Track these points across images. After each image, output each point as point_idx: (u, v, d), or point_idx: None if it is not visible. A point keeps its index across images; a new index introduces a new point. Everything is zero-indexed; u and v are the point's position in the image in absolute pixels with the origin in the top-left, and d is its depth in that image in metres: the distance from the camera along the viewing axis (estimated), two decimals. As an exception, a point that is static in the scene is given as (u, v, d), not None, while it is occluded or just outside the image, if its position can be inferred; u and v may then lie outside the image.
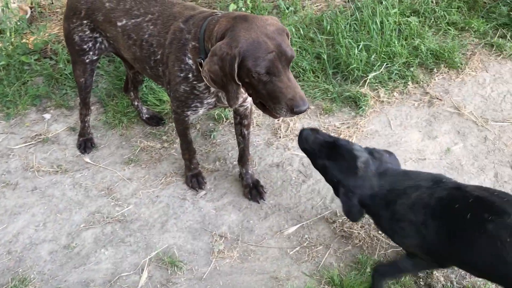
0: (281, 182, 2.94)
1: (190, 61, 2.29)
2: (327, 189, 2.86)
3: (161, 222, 2.77)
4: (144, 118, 3.31)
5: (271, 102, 2.08)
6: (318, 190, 2.87)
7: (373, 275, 2.35)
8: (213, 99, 2.44)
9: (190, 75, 2.32)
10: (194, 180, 2.90)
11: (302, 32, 3.73)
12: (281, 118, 2.50)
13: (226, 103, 2.33)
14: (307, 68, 3.51)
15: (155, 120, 3.31)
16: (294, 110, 2.03)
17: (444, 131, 3.13)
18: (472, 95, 3.34)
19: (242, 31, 2.01)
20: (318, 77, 3.51)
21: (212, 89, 2.36)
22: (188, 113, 2.52)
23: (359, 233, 2.62)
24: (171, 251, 2.62)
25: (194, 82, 2.34)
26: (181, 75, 2.34)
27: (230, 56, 1.99)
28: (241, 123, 2.73)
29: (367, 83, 3.44)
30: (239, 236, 2.68)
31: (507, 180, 2.82)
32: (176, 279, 2.50)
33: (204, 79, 2.17)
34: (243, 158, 2.86)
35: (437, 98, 3.34)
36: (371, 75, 3.46)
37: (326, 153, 2.32)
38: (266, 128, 3.26)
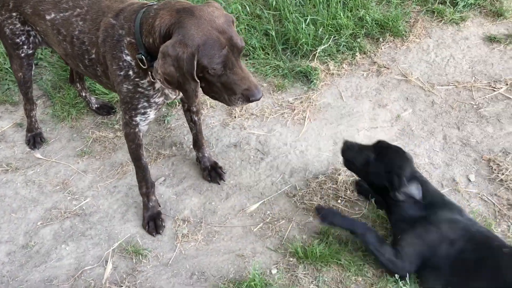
0: (240, 162, 2.95)
1: (128, 58, 2.16)
2: (285, 164, 2.90)
3: (122, 212, 2.73)
4: (94, 108, 3.22)
5: (226, 94, 2.07)
6: (276, 166, 2.91)
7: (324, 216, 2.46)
8: (161, 98, 2.33)
9: (130, 72, 2.20)
10: (152, 223, 2.62)
11: (248, 9, 3.71)
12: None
13: (173, 97, 2.30)
14: (256, 45, 3.50)
15: (106, 110, 3.23)
16: (250, 99, 2.05)
17: (393, 99, 3.22)
18: (417, 61, 3.44)
19: (192, 27, 1.94)
20: (268, 54, 3.51)
21: (157, 86, 2.26)
22: (137, 119, 2.35)
23: (319, 204, 2.67)
24: (134, 240, 2.59)
25: (136, 79, 2.21)
26: (121, 73, 2.21)
27: (187, 55, 1.92)
28: (189, 110, 2.69)
29: (316, 57, 3.47)
30: (202, 219, 2.68)
31: (455, 141, 2.94)
32: (141, 267, 2.49)
33: (159, 82, 2.08)
34: (197, 142, 2.84)
35: (385, 67, 3.42)
36: (319, 48, 3.49)
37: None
38: (220, 109, 3.25)
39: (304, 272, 2.40)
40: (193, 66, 1.94)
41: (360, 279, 2.36)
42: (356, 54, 3.50)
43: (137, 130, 2.41)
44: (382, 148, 2.46)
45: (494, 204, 2.61)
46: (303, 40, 3.48)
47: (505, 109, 3.07)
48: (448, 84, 3.28)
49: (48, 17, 2.40)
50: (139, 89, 2.25)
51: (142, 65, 2.11)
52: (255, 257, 2.49)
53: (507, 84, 3.21)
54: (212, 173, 2.84)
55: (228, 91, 2.05)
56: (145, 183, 2.61)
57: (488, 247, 2.19)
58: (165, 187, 2.85)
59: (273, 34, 3.54)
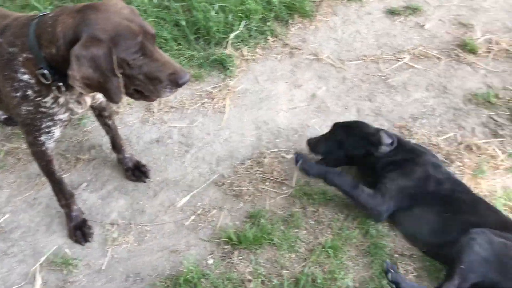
0: (164, 157, 2.92)
1: (26, 76, 1.98)
2: (211, 154, 2.91)
3: (46, 224, 2.62)
4: (1, 119, 3.03)
5: (151, 84, 1.98)
6: (202, 157, 2.90)
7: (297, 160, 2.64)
8: (66, 114, 2.16)
9: (29, 92, 2.02)
10: (78, 232, 2.52)
11: (156, 1, 3.63)
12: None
13: (80, 111, 2.20)
14: (168, 37, 3.45)
15: (15, 120, 3.05)
16: (179, 82, 1.98)
17: (307, 78, 3.31)
18: (326, 40, 3.56)
19: (100, 21, 1.83)
20: (181, 45, 3.47)
21: (62, 101, 2.10)
22: (42, 138, 2.19)
23: (248, 189, 2.71)
24: (62, 251, 2.50)
25: (38, 99, 2.04)
26: (17, 94, 2.02)
27: (103, 51, 1.81)
28: (101, 115, 2.59)
29: (229, 43, 3.48)
30: (131, 220, 2.63)
31: (368, 113, 3.08)
32: (73, 277, 2.40)
33: (78, 88, 1.92)
34: (116, 145, 2.76)
35: (296, 48, 3.50)
36: (232, 35, 3.50)
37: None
38: (138, 106, 3.18)
39: (240, 257, 2.43)
40: (112, 61, 1.84)
41: (293, 255, 2.44)
42: (268, 38, 3.55)
43: (44, 148, 2.26)
44: (344, 127, 2.69)
45: (408, 167, 2.78)
46: (214, 28, 3.47)
47: (410, 78, 3.27)
48: (357, 59, 3.42)
49: None
50: (41, 109, 2.08)
51: (45, 81, 1.97)
52: (190, 250, 2.49)
53: (409, 54, 3.41)
54: (136, 172, 2.79)
55: (154, 80, 1.96)
56: (63, 195, 2.50)
57: (468, 191, 2.44)
58: (88, 192, 2.76)
59: (184, 24, 3.51)
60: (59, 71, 1.92)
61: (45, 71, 1.93)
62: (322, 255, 2.41)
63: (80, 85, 1.86)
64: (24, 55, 1.96)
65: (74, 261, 2.45)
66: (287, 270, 2.37)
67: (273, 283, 2.31)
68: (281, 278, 2.33)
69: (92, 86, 1.89)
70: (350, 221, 2.54)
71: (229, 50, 3.46)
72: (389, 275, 2.12)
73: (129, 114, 3.14)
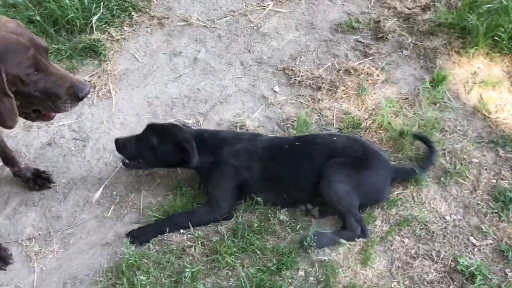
0: (63, 158, 2.76)
1: None
2: (111, 142, 2.80)
3: (-48, 263, 2.36)
4: None
5: (50, 101, 1.86)
6: (103, 147, 2.80)
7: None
8: None
9: None
10: None
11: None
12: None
13: None
14: (25, 36, 3.19)
15: None
16: (79, 96, 1.89)
17: (184, 44, 3.31)
18: (191, 3, 3.56)
19: None
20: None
21: None
22: None
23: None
24: (-17, 283, 2.30)
25: None
26: None
27: None
28: None
29: (94, 28, 3.33)
30: (49, 228, 2.49)
31: (252, 63, 3.19)
32: (5, 305, 2.23)
33: None
34: (7, 159, 2.55)
35: (164, 18, 3.46)
36: (94, 19, 3.35)
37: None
38: (15, 113, 2.94)
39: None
40: (2, 79, 1.69)
41: (224, 211, 2.51)
42: (133, 14, 3.46)
43: None
44: (156, 131, 2.47)
45: (301, 103, 2.96)
46: (72, 15, 3.29)
47: (279, 22, 3.43)
48: (225, 16, 3.49)
49: None
50: None
51: None
52: (121, 238, 2.43)
53: (272, 0, 3.56)
54: (38, 180, 2.61)
55: (52, 97, 1.85)
56: None
57: (278, 145, 2.50)
58: (-9, 216, 2.54)
59: (39, 18, 3.26)
60: None
61: None
62: (249, 204, 2.50)
63: None
64: None
65: (0, 289, 2.27)
66: (223, 225, 2.44)
67: (214, 240, 2.37)
68: (219, 234, 2.40)
69: None
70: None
71: (95, 35, 3.31)
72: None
73: (8, 125, 2.89)
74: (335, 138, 2.49)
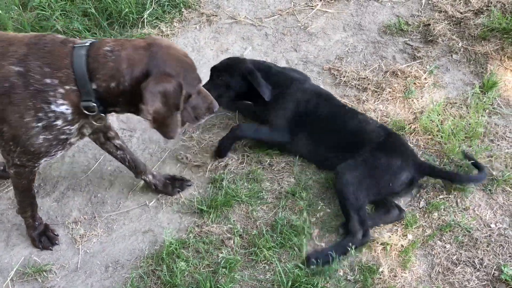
0: (110, 146, 2.86)
1: (63, 107, 1.94)
2: (155, 133, 2.87)
3: (3, 240, 2.49)
4: None
5: (194, 114, 2.11)
6: (148, 138, 2.88)
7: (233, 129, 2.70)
8: (77, 137, 2.14)
9: (58, 122, 1.97)
10: (44, 238, 2.44)
11: (57, -6, 3.47)
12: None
13: (86, 135, 2.20)
14: (80, 28, 3.33)
15: None
16: (214, 111, 2.16)
17: (231, 42, 3.36)
18: (239, 1, 3.61)
19: (168, 59, 1.93)
20: (96, 34, 3.36)
21: (80, 127, 2.07)
22: (42, 161, 2.12)
23: (202, 157, 2.75)
24: (32, 261, 2.40)
25: (66, 127, 2.00)
26: (38, 124, 1.95)
27: (173, 87, 1.89)
28: (108, 138, 2.42)
29: (145, 23, 3.43)
30: (94, 213, 2.58)
31: (297, 62, 3.21)
32: (50, 283, 2.33)
33: (148, 122, 1.96)
34: (137, 167, 2.54)
35: (213, 15, 3.52)
36: (145, 13, 3.45)
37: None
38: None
39: (214, 222, 2.47)
40: (179, 98, 1.92)
41: (264, 206, 2.53)
42: (183, 10, 3.54)
43: (35, 169, 2.19)
44: (220, 70, 2.77)
45: (346, 103, 2.94)
46: (126, 10, 3.40)
47: (327, 22, 3.43)
48: (273, 15, 3.52)
49: None
50: (62, 136, 2.03)
51: (88, 112, 1.97)
52: (162, 226, 2.49)
53: (320, 0, 3.56)
54: (176, 183, 2.64)
55: (196, 111, 2.10)
56: (30, 208, 2.37)
57: (333, 103, 2.71)
58: (40, 198, 2.64)
59: (94, 12, 3.39)
60: (105, 102, 1.97)
61: (93, 104, 1.95)
62: (289, 199, 2.52)
63: (151, 118, 1.92)
64: (67, 87, 1.93)
65: (46, 267, 2.37)
66: (262, 220, 2.46)
67: (253, 233, 2.39)
68: (258, 228, 2.42)
69: (157, 120, 1.94)
70: (307, 163, 2.67)
71: (146, 30, 3.40)
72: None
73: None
74: (371, 121, 2.63)
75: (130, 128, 2.94)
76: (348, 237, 2.30)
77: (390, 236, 2.36)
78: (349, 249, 2.23)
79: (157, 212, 2.57)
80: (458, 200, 2.47)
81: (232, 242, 2.37)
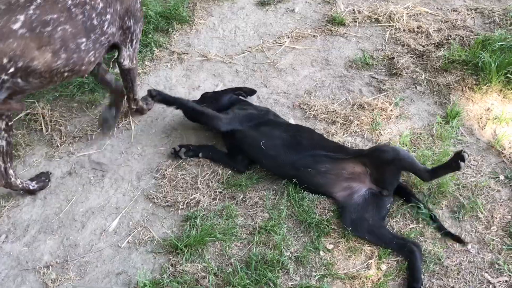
0: (82, 187, 2.84)
1: None
2: (129, 172, 2.89)
3: (-29, 289, 2.43)
4: None
5: None
6: (121, 177, 2.88)
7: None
8: None
9: None
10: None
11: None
12: None
13: None
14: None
15: None
16: None
17: (203, 79, 3.42)
18: (210, 40, 3.69)
19: None
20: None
21: None
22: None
23: (173, 193, 2.75)
24: (1, 309, 2.34)
25: None
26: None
27: None
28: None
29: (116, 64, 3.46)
30: (66, 256, 2.54)
31: (268, 97, 3.27)
32: (21, 332, 2.27)
33: None
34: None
35: (184, 53, 3.58)
36: (116, 54, 3.48)
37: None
38: (38, 144, 3.04)
39: (188, 261, 2.46)
40: None
41: (238, 243, 2.53)
42: (154, 49, 3.59)
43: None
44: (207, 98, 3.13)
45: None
46: (97, 50, 3.42)
47: (295, 58, 3.52)
48: (243, 52, 3.60)
49: None
50: None
51: None
52: (136, 267, 2.47)
53: (288, 37, 3.66)
54: None
55: None
56: None
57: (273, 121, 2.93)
58: (10, 243, 2.60)
59: (64, 53, 3.41)
60: None
61: None
62: (263, 234, 2.53)
63: None
64: None
65: (17, 315, 2.31)
66: (237, 256, 2.46)
67: (228, 271, 2.39)
68: (232, 266, 2.42)
69: None
70: (279, 196, 2.70)
71: (117, 70, 3.43)
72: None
73: (30, 155, 3.00)
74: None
75: (102, 168, 2.93)
76: None
77: (364, 269, 2.39)
78: None
79: (131, 252, 2.55)
80: (427, 228, 2.53)
81: (206, 281, 2.36)
